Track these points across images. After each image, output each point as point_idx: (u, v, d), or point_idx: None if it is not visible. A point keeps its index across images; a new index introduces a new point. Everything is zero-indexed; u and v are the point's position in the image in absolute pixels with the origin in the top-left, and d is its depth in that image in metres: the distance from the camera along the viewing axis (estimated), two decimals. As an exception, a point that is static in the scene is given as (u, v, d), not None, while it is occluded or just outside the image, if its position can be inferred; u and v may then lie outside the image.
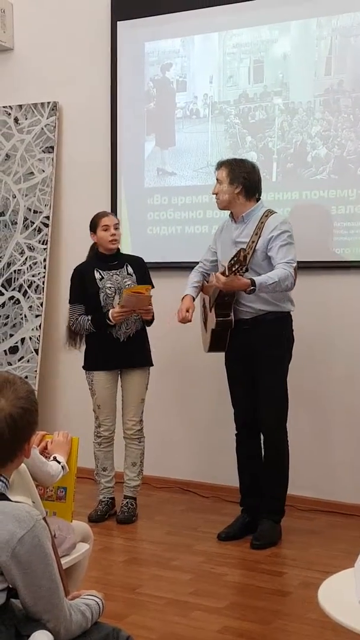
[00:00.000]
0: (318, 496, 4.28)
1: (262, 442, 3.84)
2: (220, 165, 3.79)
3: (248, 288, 3.48)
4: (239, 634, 2.83)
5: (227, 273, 3.44)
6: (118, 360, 4.06)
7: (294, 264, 3.60)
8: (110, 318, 3.94)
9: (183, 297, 3.91)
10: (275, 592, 3.21)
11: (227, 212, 3.84)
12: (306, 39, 4.31)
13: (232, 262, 3.40)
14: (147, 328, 4.12)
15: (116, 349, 4.02)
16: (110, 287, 4.00)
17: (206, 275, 3.95)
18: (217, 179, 3.78)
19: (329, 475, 4.29)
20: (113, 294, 4.00)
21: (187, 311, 3.85)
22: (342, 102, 4.22)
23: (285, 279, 3.54)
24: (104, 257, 4.09)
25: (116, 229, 4.06)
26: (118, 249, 4.14)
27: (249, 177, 3.72)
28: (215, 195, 3.80)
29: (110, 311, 3.94)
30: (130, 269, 4.07)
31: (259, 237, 3.65)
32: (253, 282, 3.48)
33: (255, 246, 3.64)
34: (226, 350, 3.80)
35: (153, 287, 4.09)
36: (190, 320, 3.86)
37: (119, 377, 4.13)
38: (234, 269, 3.40)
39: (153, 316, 4.03)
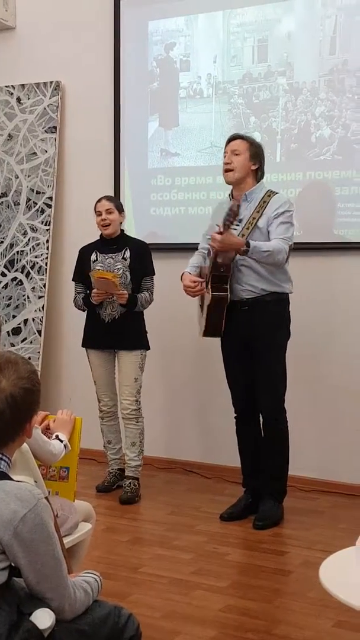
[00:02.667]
0: (320, 477, 4.29)
1: (261, 423, 3.85)
2: (238, 137, 3.75)
3: (242, 247, 3.47)
4: (241, 612, 2.85)
5: (221, 229, 3.43)
6: (105, 340, 4.16)
7: (290, 242, 3.62)
8: (91, 298, 4.07)
9: (181, 276, 3.85)
10: (277, 572, 3.23)
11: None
12: (311, 18, 4.26)
13: (225, 215, 3.39)
14: (145, 312, 4.14)
15: (103, 329, 4.13)
16: (99, 270, 4.06)
17: (206, 259, 3.93)
18: (232, 150, 3.69)
19: (331, 455, 4.30)
20: None
21: (194, 282, 3.76)
22: (346, 82, 4.19)
23: (279, 252, 3.54)
24: (106, 241, 4.17)
25: (109, 213, 4.09)
26: (122, 233, 4.17)
27: (264, 159, 3.76)
28: (226, 165, 3.70)
29: (92, 292, 4.06)
30: (127, 254, 4.10)
31: (261, 215, 3.65)
32: (248, 243, 3.48)
33: (257, 222, 3.63)
34: (222, 334, 3.78)
35: (154, 273, 4.12)
36: (201, 290, 3.76)
37: (115, 357, 4.19)
38: (227, 222, 3.39)
39: (132, 301, 4.01)
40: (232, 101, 4.49)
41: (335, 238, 4.27)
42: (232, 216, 3.38)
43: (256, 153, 3.72)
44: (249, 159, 3.69)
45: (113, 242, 4.14)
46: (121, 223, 4.17)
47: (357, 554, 1.97)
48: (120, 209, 4.17)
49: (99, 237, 4.22)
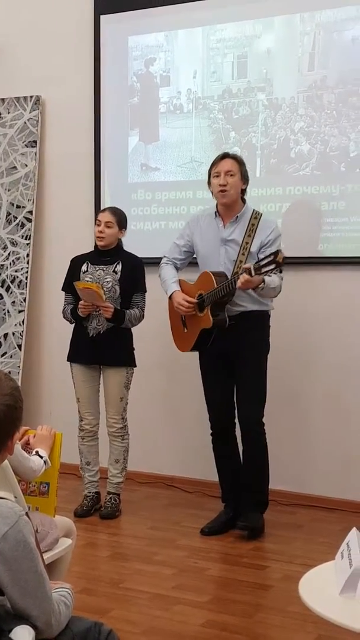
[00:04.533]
0: (299, 490, 4.30)
1: (236, 438, 3.87)
2: (228, 156, 3.77)
3: (260, 285, 3.51)
4: (222, 627, 2.84)
5: (253, 273, 3.43)
6: (91, 355, 4.07)
7: (282, 275, 3.68)
8: (78, 310, 4.00)
9: (171, 295, 3.84)
10: (257, 586, 3.23)
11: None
12: (290, 34, 4.31)
13: (267, 262, 3.40)
14: (132, 328, 4.10)
15: (87, 344, 4.05)
16: (88, 281, 4.00)
17: (178, 269, 3.94)
18: (226, 171, 3.69)
19: (310, 469, 4.31)
20: None
21: (189, 302, 3.76)
22: (325, 98, 4.24)
23: (279, 288, 3.67)
24: (100, 252, 4.11)
25: (108, 227, 4.03)
26: (119, 246, 4.11)
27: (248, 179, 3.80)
28: (223, 187, 3.69)
29: (79, 303, 4.00)
30: (119, 267, 4.05)
31: (253, 238, 3.68)
32: (263, 280, 3.52)
33: (250, 248, 3.67)
34: (201, 351, 3.80)
35: (145, 290, 4.06)
36: (192, 311, 3.78)
37: (100, 374, 4.13)
38: (265, 269, 3.40)
39: (119, 316, 3.95)
40: (212, 116, 4.52)
41: (315, 253, 4.31)
42: (274, 264, 3.37)
43: (245, 172, 3.77)
44: (240, 179, 3.74)
45: (107, 254, 4.08)
46: (119, 239, 4.10)
47: (336, 568, 1.98)
48: (122, 225, 4.07)
49: (93, 248, 4.16)
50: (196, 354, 3.90)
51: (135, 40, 4.72)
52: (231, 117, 4.47)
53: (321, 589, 1.94)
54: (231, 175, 3.70)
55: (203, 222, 3.86)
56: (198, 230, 3.86)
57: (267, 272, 3.42)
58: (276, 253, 3.41)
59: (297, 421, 4.35)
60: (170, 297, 3.87)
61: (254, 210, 3.78)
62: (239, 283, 3.50)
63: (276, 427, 4.20)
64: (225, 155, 3.78)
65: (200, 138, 4.56)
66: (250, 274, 3.44)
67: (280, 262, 3.39)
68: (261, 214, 3.77)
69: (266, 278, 3.52)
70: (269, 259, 3.41)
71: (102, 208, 4.75)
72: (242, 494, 3.84)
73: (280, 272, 3.52)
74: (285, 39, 4.33)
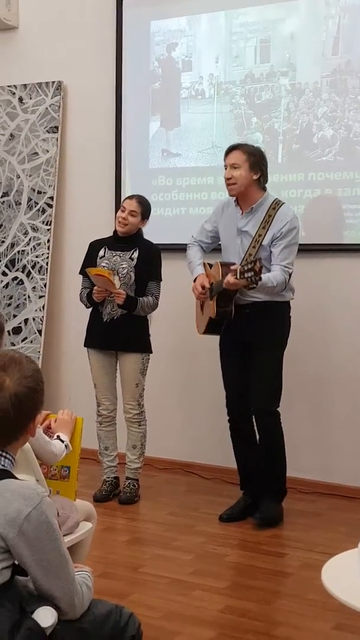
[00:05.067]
0: (319, 479, 4.29)
1: (254, 425, 3.85)
2: (235, 148, 3.69)
3: (250, 285, 3.46)
4: (240, 613, 2.84)
5: (238, 277, 3.41)
6: (105, 340, 4.06)
7: (291, 270, 3.63)
8: (93, 295, 4.00)
9: (196, 277, 3.84)
10: (276, 573, 3.23)
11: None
12: (314, 18, 4.26)
13: (247, 268, 3.37)
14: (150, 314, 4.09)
15: (102, 329, 4.05)
16: (105, 267, 4.00)
17: (205, 251, 3.92)
18: (231, 164, 3.66)
19: (331, 458, 4.30)
20: None
21: (203, 288, 3.77)
22: (349, 83, 4.19)
23: (281, 284, 3.59)
24: (118, 238, 4.10)
25: (132, 215, 4.00)
26: (138, 233, 4.10)
27: (266, 165, 3.72)
28: (228, 180, 3.68)
29: (93, 289, 3.99)
30: (135, 254, 4.03)
31: (267, 230, 3.63)
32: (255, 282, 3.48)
33: (263, 241, 3.63)
34: (221, 335, 3.79)
35: (160, 279, 4.06)
36: (204, 297, 3.79)
37: (117, 360, 4.13)
38: (246, 275, 3.36)
39: (131, 303, 3.94)
40: (234, 101, 4.49)
41: (336, 239, 4.27)
42: (252, 272, 3.33)
43: (256, 162, 3.65)
44: (249, 170, 3.64)
45: (125, 240, 4.06)
46: (140, 228, 4.09)
47: (359, 556, 1.97)
48: (145, 215, 4.05)
49: (112, 233, 4.15)
50: (215, 338, 3.88)
51: (158, 25, 4.68)
52: (253, 102, 4.43)
53: (343, 576, 1.93)
54: (235, 167, 3.64)
55: (227, 209, 3.84)
56: (222, 218, 3.85)
57: (247, 278, 3.36)
58: (255, 261, 3.36)
59: (317, 409, 4.33)
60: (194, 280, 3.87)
61: (275, 200, 3.71)
62: (225, 283, 3.49)
63: (296, 415, 4.19)
64: (231, 148, 3.71)
65: (222, 123, 4.52)
66: (235, 276, 3.41)
67: (257, 272, 3.32)
68: (282, 204, 3.69)
69: (262, 276, 3.47)
70: (250, 266, 3.36)
71: (123, 194, 4.75)
72: (260, 482, 3.83)
73: (258, 280, 3.35)
74: (309, 23, 4.27)
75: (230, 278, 3.46)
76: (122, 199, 4.15)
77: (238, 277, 3.41)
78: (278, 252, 3.61)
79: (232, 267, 3.50)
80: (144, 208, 4.06)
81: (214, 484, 4.42)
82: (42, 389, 1.76)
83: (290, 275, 3.63)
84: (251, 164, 3.65)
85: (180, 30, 4.63)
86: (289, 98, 4.34)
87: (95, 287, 3.98)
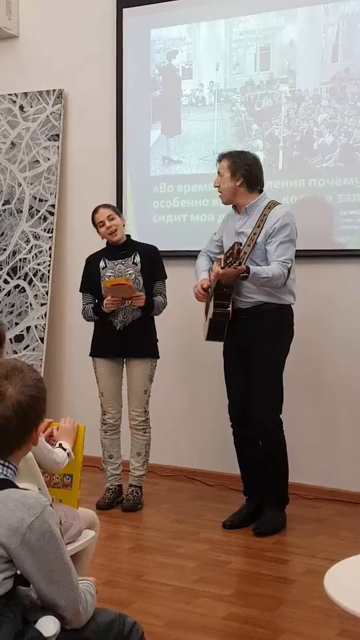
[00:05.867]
0: (322, 484, 4.28)
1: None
2: (221, 157, 3.77)
3: (242, 274, 3.48)
4: (244, 620, 2.84)
5: (222, 265, 3.44)
6: (117, 348, 4.07)
7: (290, 265, 3.61)
8: (104, 307, 3.98)
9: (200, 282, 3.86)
10: (280, 580, 3.22)
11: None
12: (313, 25, 4.28)
13: (227, 254, 3.42)
14: (155, 318, 4.10)
15: (114, 337, 4.05)
16: (110, 276, 4.01)
17: (213, 262, 3.93)
18: (218, 172, 3.76)
19: (334, 463, 4.29)
20: None
21: (203, 287, 3.78)
22: (348, 90, 4.20)
23: (278, 277, 3.57)
24: (113, 247, 4.11)
25: (111, 219, 4.03)
26: (129, 238, 4.13)
27: (251, 169, 3.71)
28: (217, 189, 3.78)
29: (104, 301, 3.97)
30: (137, 259, 4.05)
31: (261, 229, 3.64)
32: (248, 270, 3.49)
33: (257, 239, 3.64)
34: (224, 340, 3.79)
35: (165, 277, 4.10)
36: (203, 297, 3.81)
37: (124, 367, 4.13)
38: (228, 261, 3.40)
39: (148, 302, 3.98)
40: (234, 109, 4.50)
41: (336, 246, 4.27)
42: (231, 257, 3.38)
43: (236, 168, 3.68)
44: (230, 178, 3.69)
45: (121, 247, 4.08)
46: (124, 226, 4.12)
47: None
48: (119, 213, 4.12)
49: (105, 246, 4.16)
50: (219, 346, 3.88)
51: (158, 33, 4.70)
52: (253, 110, 4.44)
53: (347, 583, 1.93)
54: (220, 175, 3.73)
55: (229, 216, 3.87)
56: (225, 225, 3.88)
57: (228, 264, 3.39)
58: (234, 244, 3.39)
59: (320, 414, 4.32)
60: None
61: (270, 201, 3.74)
62: (212, 274, 3.52)
63: (299, 421, 4.19)
64: (219, 158, 3.79)
65: (223, 131, 4.54)
66: (220, 264, 3.45)
67: (235, 254, 3.35)
68: (277, 204, 3.71)
69: (253, 268, 3.49)
70: (229, 251, 3.39)
71: (124, 201, 4.77)
72: (262, 489, 3.82)
73: (239, 263, 3.39)
74: (308, 31, 4.29)
75: (215, 267, 3.51)
76: (95, 221, 4.06)
77: (222, 264, 3.43)
78: (274, 249, 3.60)
79: (218, 257, 3.56)
80: (113, 207, 4.15)
81: (218, 490, 4.42)
82: (45, 398, 1.76)
83: (289, 270, 3.59)
84: (232, 171, 3.69)
85: (180, 38, 4.65)
86: (289, 105, 4.35)
87: (107, 299, 3.95)
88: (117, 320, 4.03)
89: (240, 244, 3.47)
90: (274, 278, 3.55)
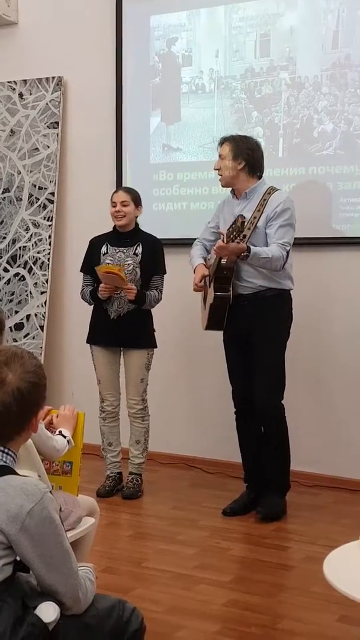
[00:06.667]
0: (323, 472, 4.29)
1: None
2: (223, 141, 3.77)
3: (242, 253, 3.48)
4: (244, 607, 2.85)
5: (225, 240, 3.44)
6: (110, 337, 4.06)
7: (289, 248, 3.62)
8: (98, 293, 3.98)
9: (195, 268, 3.87)
10: (280, 567, 3.24)
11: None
12: (313, 12, 4.25)
13: (230, 229, 3.42)
14: (152, 309, 4.09)
15: (109, 326, 4.04)
16: (109, 263, 3.99)
17: (208, 251, 3.93)
18: (219, 155, 3.76)
19: (334, 451, 4.30)
20: None
21: (201, 281, 3.79)
22: (349, 77, 4.18)
23: (278, 259, 3.57)
24: (119, 233, 4.09)
25: (124, 205, 4.02)
26: (137, 227, 4.10)
27: (253, 154, 3.72)
28: (217, 172, 3.77)
29: (100, 286, 3.97)
30: (139, 249, 4.03)
31: (261, 213, 3.64)
32: (249, 249, 3.49)
33: (257, 223, 3.63)
34: (224, 328, 3.79)
35: (164, 272, 4.07)
36: (202, 288, 3.82)
37: (121, 355, 4.13)
38: (231, 236, 3.40)
39: (141, 298, 3.95)
40: (234, 96, 4.48)
41: (335, 233, 4.27)
42: (236, 231, 3.39)
43: (239, 152, 3.69)
44: (232, 160, 3.69)
45: (126, 235, 4.06)
46: (137, 217, 4.09)
47: (361, 548, 1.98)
48: (137, 202, 4.06)
49: (112, 229, 4.14)
50: (218, 333, 3.87)
51: (158, 20, 4.68)
52: (254, 97, 4.42)
53: (345, 568, 1.94)
54: (221, 159, 3.72)
55: (225, 202, 3.87)
56: (222, 212, 3.87)
57: (232, 238, 3.39)
58: (237, 217, 3.40)
59: (320, 402, 4.33)
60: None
61: (270, 186, 3.74)
62: (214, 249, 3.52)
63: (299, 408, 4.20)
64: (220, 141, 3.79)
65: (223, 118, 4.52)
66: (222, 239, 3.44)
67: (239, 226, 3.36)
68: (276, 190, 3.72)
69: (253, 248, 3.50)
70: (232, 226, 3.39)
71: (126, 188, 4.74)
72: (263, 475, 3.84)
73: (243, 238, 3.41)
74: (308, 17, 4.26)
75: (218, 242, 3.50)
76: (111, 199, 4.11)
77: (225, 240, 3.43)
78: (273, 232, 3.61)
79: (220, 231, 3.55)
80: (133, 195, 4.07)
81: (218, 478, 4.43)
82: (45, 384, 1.77)
83: (288, 253, 3.60)
84: (234, 154, 3.69)
85: (180, 25, 4.62)
86: (289, 92, 4.33)
87: (101, 285, 3.96)
88: (112, 310, 4.02)
89: (244, 216, 3.46)
90: (274, 259, 3.55)
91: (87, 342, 4.18)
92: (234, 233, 3.40)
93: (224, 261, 3.58)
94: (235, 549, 3.44)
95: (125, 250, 4.04)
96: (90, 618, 1.72)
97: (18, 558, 1.64)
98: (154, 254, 4.05)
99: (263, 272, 3.64)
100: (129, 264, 3.99)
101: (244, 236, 3.43)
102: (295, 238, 3.71)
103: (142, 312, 4.03)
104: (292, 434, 3.86)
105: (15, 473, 1.68)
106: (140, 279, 4.00)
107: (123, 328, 4.01)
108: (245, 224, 3.45)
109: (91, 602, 1.74)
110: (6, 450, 1.69)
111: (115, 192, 4.12)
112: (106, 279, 3.91)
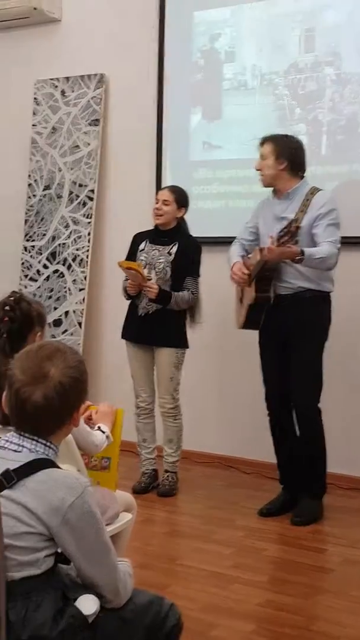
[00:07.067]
0: (359, 474, 4.24)
1: (294, 420, 3.81)
2: (265, 140, 3.72)
3: (297, 257, 3.44)
4: (280, 607, 2.82)
5: (275, 244, 3.40)
6: (141, 335, 4.05)
7: (339, 246, 3.57)
8: (127, 288, 4.01)
9: (232, 265, 3.81)
10: (316, 569, 3.20)
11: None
12: (359, 6, 4.19)
13: (282, 233, 3.38)
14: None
15: (137, 322, 4.04)
16: (142, 260, 3.99)
17: (247, 250, 3.89)
18: (260, 155, 3.71)
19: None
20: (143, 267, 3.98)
21: (244, 273, 3.72)
22: (395, 73, 4.11)
23: (331, 257, 3.52)
24: (160, 231, 4.08)
25: (165, 204, 4.00)
26: (179, 227, 4.07)
27: (296, 153, 3.67)
28: (259, 172, 3.73)
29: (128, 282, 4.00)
30: (174, 249, 4.01)
31: (305, 213, 3.59)
32: (302, 252, 3.45)
33: (301, 223, 3.59)
34: (260, 328, 3.76)
35: (198, 275, 4.02)
36: (245, 281, 3.75)
37: (154, 353, 4.11)
38: (282, 240, 3.37)
39: (164, 298, 3.91)
40: (277, 92, 4.44)
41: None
42: (288, 235, 3.35)
43: (282, 151, 3.64)
44: (274, 160, 3.65)
45: (165, 234, 4.05)
46: (177, 217, 4.05)
47: None
48: (180, 203, 4.02)
49: (154, 226, 4.12)
50: (253, 332, 3.84)
51: (201, 16, 4.66)
52: (297, 93, 4.38)
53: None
54: (263, 158, 3.68)
55: (265, 202, 3.83)
56: (262, 212, 3.83)
57: (283, 242, 3.35)
58: (291, 222, 3.35)
59: (356, 405, 4.27)
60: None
61: (313, 187, 3.69)
62: (264, 252, 3.47)
63: (337, 410, 4.14)
64: (262, 141, 3.74)
65: (264, 115, 4.48)
66: (273, 243, 3.40)
67: (293, 231, 3.32)
68: (319, 190, 3.67)
69: (306, 250, 3.45)
70: (285, 230, 3.35)
71: (162, 186, 4.74)
72: (299, 478, 3.80)
73: (296, 242, 3.38)
74: (354, 11, 4.21)
75: (271, 247, 3.44)
76: (155, 195, 4.13)
77: (276, 244, 3.40)
78: (321, 231, 3.56)
79: (270, 234, 3.50)
80: (178, 195, 4.04)
81: (254, 478, 4.40)
82: (86, 379, 1.77)
83: (338, 250, 3.56)
84: (277, 155, 3.65)
85: (223, 21, 4.60)
86: (333, 88, 4.28)
87: (128, 280, 3.98)
88: (141, 306, 4.01)
89: (297, 220, 3.42)
90: (328, 258, 3.51)
91: (122, 337, 4.18)
92: (286, 237, 3.36)
93: (268, 263, 3.53)
94: (270, 549, 3.41)
95: (160, 249, 4.03)
96: (129, 612, 1.71)
97: (59, 550, 1.64)
98: (188, 255, 4.02)
99: (304, 273, 3.60)
100: (160, 262, 3.98)
101: (297, 241, 3.39)
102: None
103: (171, 312, 3.98)
104: (329, 435, 3.81)
105: (56, 466, 1.68)
106: (170, 279, 3.97)
107: (151, 326, 4.00)
108: (298, 230, 3.40)
109: (130, 597, 1.73)
110: (48, 444, 1.69)
111: (160, 190, 4.12)
112: (128, 274, 3.93)
